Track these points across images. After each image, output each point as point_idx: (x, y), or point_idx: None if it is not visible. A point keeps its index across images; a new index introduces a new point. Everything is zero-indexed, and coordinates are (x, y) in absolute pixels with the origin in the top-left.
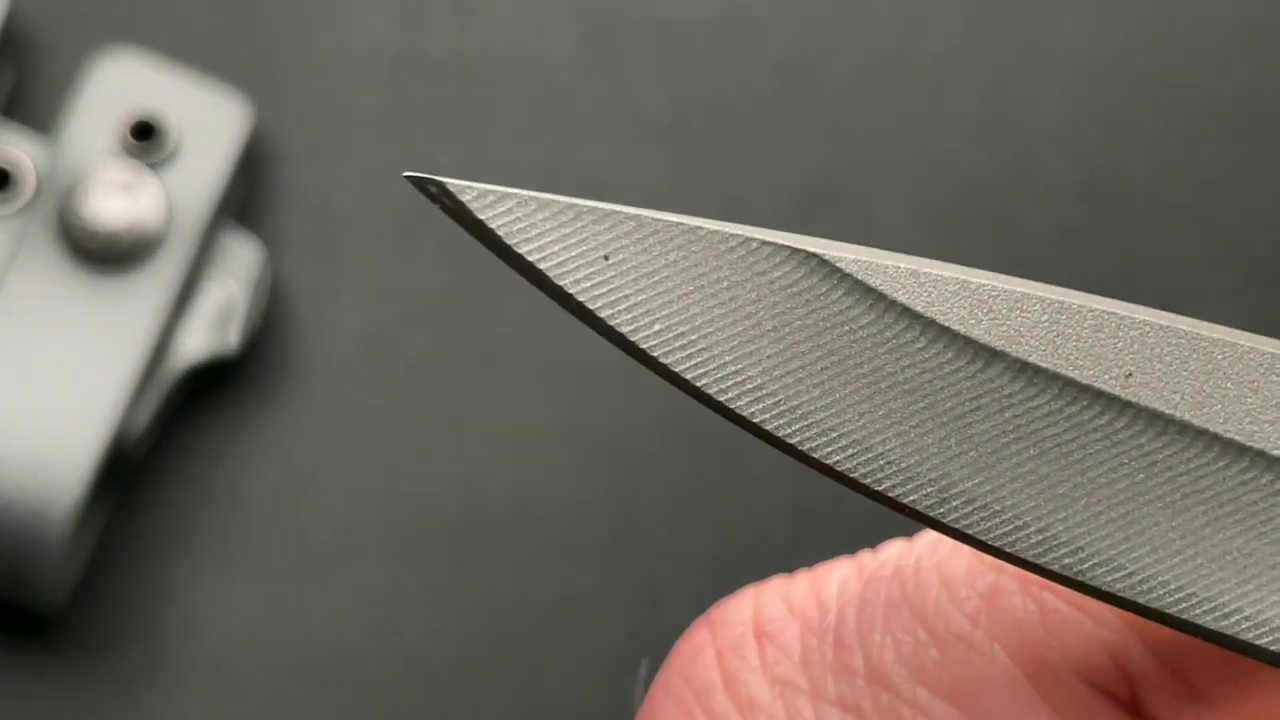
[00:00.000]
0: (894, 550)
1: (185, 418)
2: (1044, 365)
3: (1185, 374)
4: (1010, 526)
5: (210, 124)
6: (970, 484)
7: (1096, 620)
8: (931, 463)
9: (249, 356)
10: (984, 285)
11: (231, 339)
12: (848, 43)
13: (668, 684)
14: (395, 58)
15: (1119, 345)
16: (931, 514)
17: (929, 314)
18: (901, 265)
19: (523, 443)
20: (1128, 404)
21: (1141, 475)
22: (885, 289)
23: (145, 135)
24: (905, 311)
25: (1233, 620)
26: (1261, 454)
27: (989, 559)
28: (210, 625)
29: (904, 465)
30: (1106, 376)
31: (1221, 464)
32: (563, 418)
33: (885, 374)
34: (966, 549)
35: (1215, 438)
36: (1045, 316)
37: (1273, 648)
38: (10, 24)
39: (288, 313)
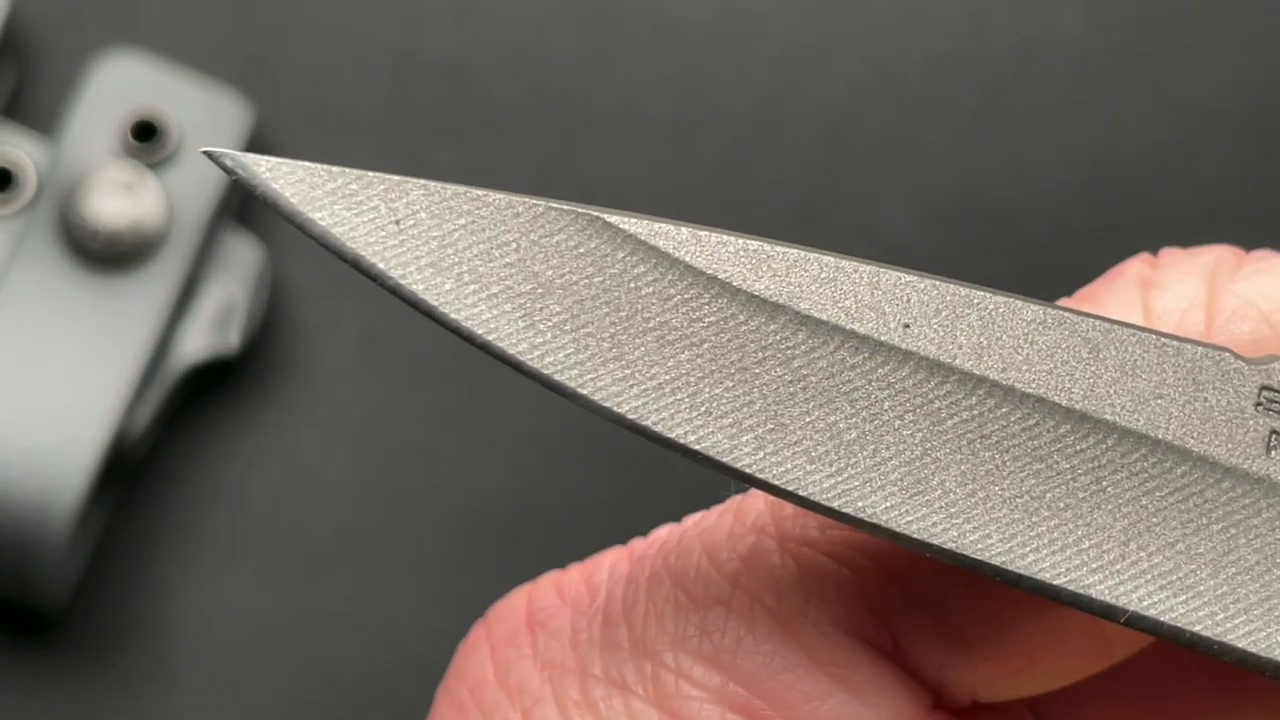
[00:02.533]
0: (662, 531)
1: (185, 418)
2: (824, 318)
3: (962, 327)
4: (802, 471)
5: (211, 124)
6: (760, 431)
7: (856, 571)
8: (721, 411)
9: (249, 356)
10: (764, 247)
11: (232, 339)
12: (848, 43)
13: (446, 685)
14: (395, 58)
15: (897, 300)
16: (722, 459)
17: (711, 271)
18: (684, 229)
19: (523, 443)
20: (908, 353)
21: (927, 422)
22: (669, 249)
23: (146, 135)
24: (689, 269)
25: (1028, 561)
26: (1041, 400)
27: (749, 523)
28: (210, 625)
29: (694, 414)
30: (886, 328)
31: (1004, 410)
32: (562, 418)
33: (672, 328)
34: (729, 516)
35: (994, 385)
36: (824, 273)
37: (1068, 587)
38: (11, 25)
39: (288, 313)
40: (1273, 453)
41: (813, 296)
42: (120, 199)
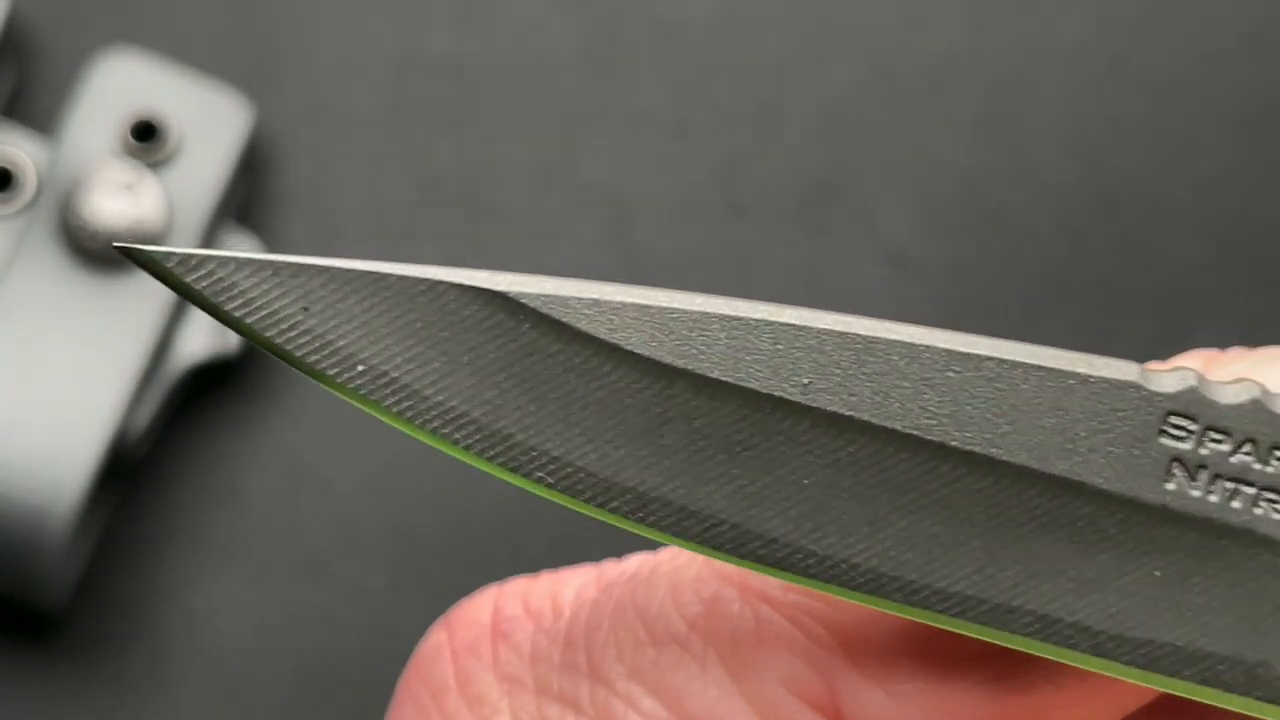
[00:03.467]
0: (635, 560)
1: (185, 418)
2: (725, 379)
3: (863, 377)
4: (707, 525)
5: (211, 124)
6: (665, 489)
7: (807, 634)
8: (628, 473)
9: (249, 356)
10: (664, 309)
11: (232, 339)
12: (848, 43)
13: (407, 685)
14: (395, 58)
15: (797, 355)
16: (632, 519)
17: (612, 340)
18: (583, 296)
19: None
20: (808, 409)
21: (828, 472)
22: (569, 320)
23: (146, 135)
24: (590, 340)
25: (921, 596)
26: (940, 446)
27: (716, 569)
28: (210, 625)
29: (601, 477)
30: (786, 386)
31: (903, 457)
32: None
33: (577, 396)
34: (699, 560)
35: (894, 434)
36: (724, 334)
37: (961, 618)
38: (11, 24)
39: None
40: (1171, 480)
41: (713, 358)
42: (120, 199)
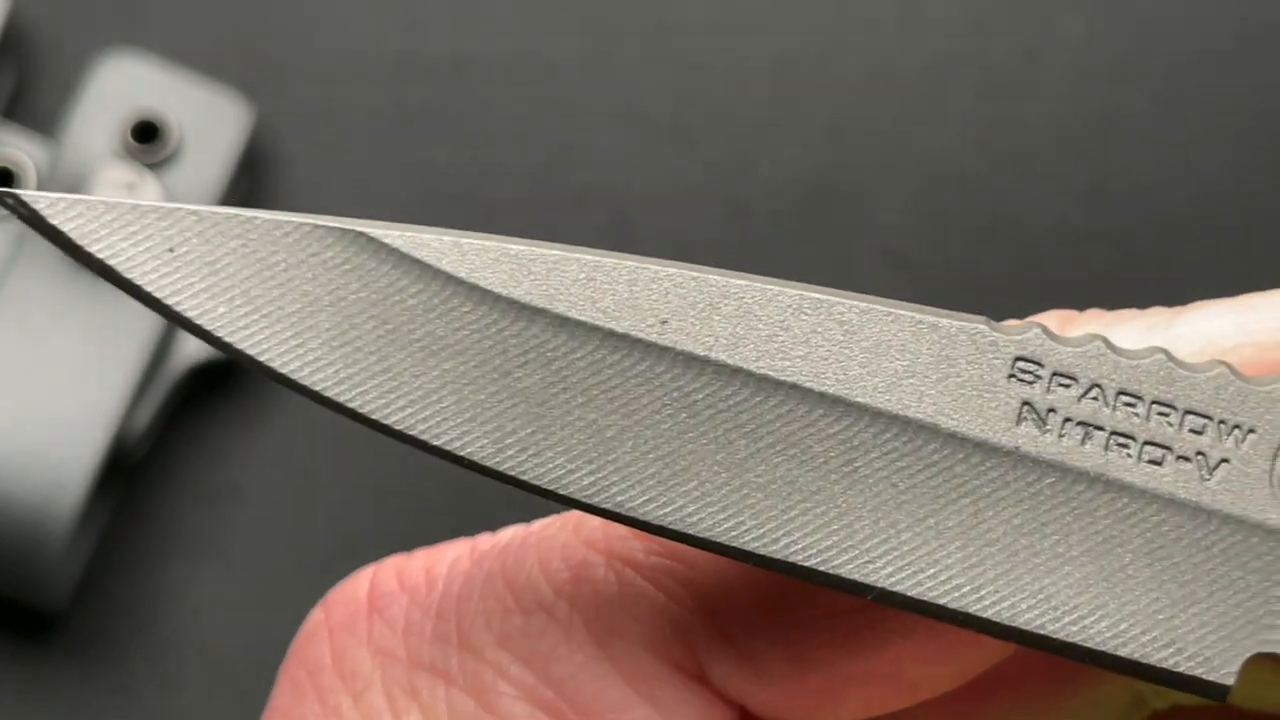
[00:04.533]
0: (508, 532)
1: (185, 418)
2: (582, 319)
3: (718, 318)
4: (563, 470)
5: (211, 125)
6: (523, 433)
7: (670, 596)
8: (485, 416)
9: None
10: (522, 251)
11: None
12: (848, 43)
13: (287, 667)
14: (395, 58)
15: (654, 296)
16: (488, 464)
17: (472, 280)
18: (444, 238)
19: None
20: (665, 349)
21: (684, 415)
22: (430, 259)
23: (146, 136)
24: (450, 279)
25: (780, 545)
26: (795, 387)
27: (583, 537)
28: (210, 625)
29: (459, 420)
30: (643, 325)
31: (758, 399)
32: None
33: (437, 338)
34: (569, 528)
35: (749, 375)
36: (582, 274)
37: (819, 568)
38: (12, 26)
39: None
40: (1022, 424)
41: (571, 298)
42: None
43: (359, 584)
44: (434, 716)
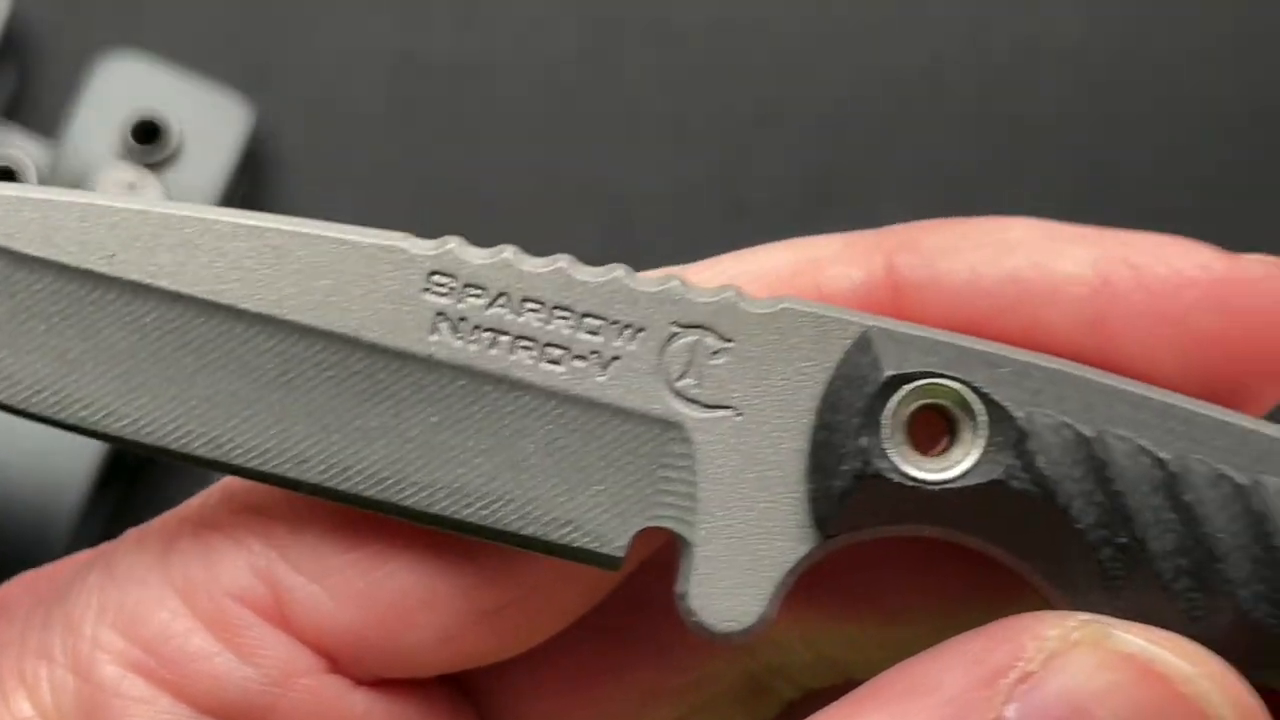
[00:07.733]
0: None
1: None
2: (37, 255)
3: (162, 249)
4: (30, 391)
5: (211, 125)
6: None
7: (247, 549)
8: None
9: None
10: None
11: None
12: (848, 43)
13: None
14: (395, 59)
15: (103, 232)
16: None
17: None
18: None
19: None
20: (114, 280)
21: (136, 337)
22: None
23: (147, 137)
24: None
25: (224, 450)
26: (232, 309)
27: (180, 514)
28: None
29: None
30: (93, 259)
31: (200, 321)
32: None
33: None
34: (196, 505)
35: (192, 299)
36: (37, 214)
37: (262, 469)
38: (13, 27)
39: None
40: (436, 333)
41: (26, 236)
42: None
43: None
44: (38, 695)
